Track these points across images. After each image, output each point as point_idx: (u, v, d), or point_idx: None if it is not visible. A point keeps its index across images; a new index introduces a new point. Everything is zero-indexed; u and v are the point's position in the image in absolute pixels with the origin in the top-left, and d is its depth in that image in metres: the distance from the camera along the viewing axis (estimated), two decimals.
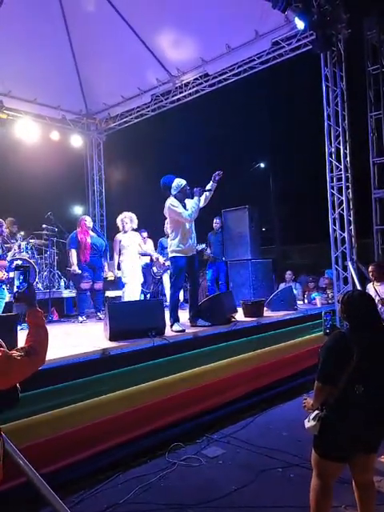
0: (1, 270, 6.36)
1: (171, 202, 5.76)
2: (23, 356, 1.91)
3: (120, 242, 7.55)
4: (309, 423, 2.68)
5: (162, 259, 8.42)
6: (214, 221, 9.16)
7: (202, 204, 5.93)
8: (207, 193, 5.92)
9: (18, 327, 4.30)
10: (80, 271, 7.30)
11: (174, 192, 5.83)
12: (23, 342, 2.02)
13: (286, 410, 5.42)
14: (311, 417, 2.68)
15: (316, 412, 2.67)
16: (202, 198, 5.93)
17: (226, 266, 9.01)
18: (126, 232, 7.62)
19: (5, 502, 3.08)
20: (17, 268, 2.19)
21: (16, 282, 2.15)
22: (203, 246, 8.26)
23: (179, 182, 5.84)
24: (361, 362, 2.51)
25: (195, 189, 5.83)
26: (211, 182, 5.92)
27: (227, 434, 4.68)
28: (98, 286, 7.59)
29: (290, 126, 18.36)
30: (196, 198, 5.78)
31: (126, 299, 7.43)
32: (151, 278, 8.84)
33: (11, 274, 7.35)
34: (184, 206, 5.79)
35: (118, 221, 7.69)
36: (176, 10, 7.92)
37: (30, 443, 3.47)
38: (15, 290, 2.15)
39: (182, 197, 5.82)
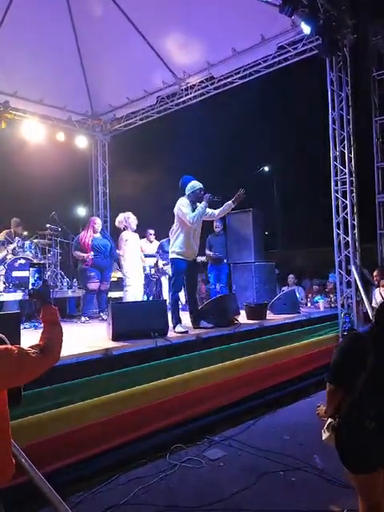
0: None
1: (181, 202, 5.78)
2: (38, 353, 1.89)
3: (126, 240, 7.52)
4: (325, 434, 2.52)
5: (160, 263, 8.42)
6: (215, 224, 9.07)
7: (218, 214, 5.96)
8: (225, 207, 5.85)
9: (21, 326, 4.31)
10: (91, 254, 7.28)
11: (186, 193, 5.84)
12: (37, 340, 2.00)
13: (287, 413, 5.40)
14: (325, 427, 2.53)
15: (329, 421, 2.51)
16: (218, 210, 5.90)
17: (228, 268, 9.00)
18: (134, 230, 7.61)
19: (6, 499, 3.07)
20: (32, 266, 2.23)
21: (31, 280, 2.20)
22: (211, 253, 8.76)
23: (193, 185, 5.83)
24: (378, 364, 2.37)
25: (205, 194, 5.77)
26: (231, 201, 5.83)
27: (228, 437, 4.67)
28: (104, 286, 7.59)
29: (295, 129, 18.39)
30: (203, 203, 5.72)
31: (127, 299, 7.41)
32: (148, 279, 8.72)
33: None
34: (194, 210, 5.75)
35: (121, 219, 7.63)
36: (183, 13, 7.93)
37: (30, 442, 3.43)
38: (30, 287, 2.19)
39: (193, 199, 5.80)
